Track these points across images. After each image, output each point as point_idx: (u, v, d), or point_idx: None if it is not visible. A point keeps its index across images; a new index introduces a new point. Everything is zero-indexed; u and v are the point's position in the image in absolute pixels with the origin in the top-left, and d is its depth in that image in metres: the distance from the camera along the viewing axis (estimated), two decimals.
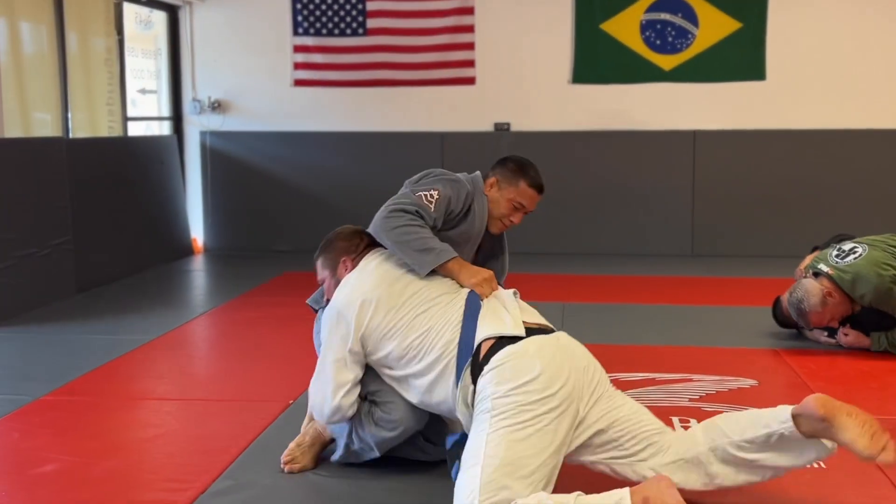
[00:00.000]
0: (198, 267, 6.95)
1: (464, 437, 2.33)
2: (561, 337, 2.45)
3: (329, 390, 2.57)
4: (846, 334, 4.16)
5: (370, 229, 2.76)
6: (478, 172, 3.06)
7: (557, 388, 2.24)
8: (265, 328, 4.77)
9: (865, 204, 6.88)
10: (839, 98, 6.95)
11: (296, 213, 7.38)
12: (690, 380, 3.76)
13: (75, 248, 5.69)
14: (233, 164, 7.43)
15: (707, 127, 7.08)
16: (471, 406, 2.32)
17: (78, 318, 5.04)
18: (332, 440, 2.82)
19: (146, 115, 7.34)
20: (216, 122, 7.44)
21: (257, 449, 2.98)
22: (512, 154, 3.16)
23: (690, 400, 3.49)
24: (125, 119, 6.72)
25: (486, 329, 2.39)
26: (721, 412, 3.23)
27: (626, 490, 2.11)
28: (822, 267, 4.06)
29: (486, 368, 2.30)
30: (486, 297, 2.55)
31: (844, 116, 6.95)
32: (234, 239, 7.47)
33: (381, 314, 2.51)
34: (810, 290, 4.00)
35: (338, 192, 7.33)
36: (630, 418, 2.39)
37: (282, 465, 2.75)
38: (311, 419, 2.87)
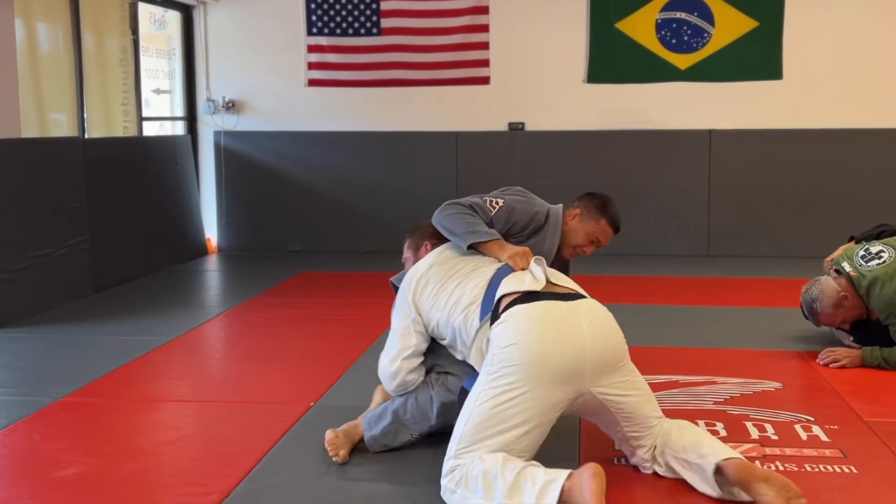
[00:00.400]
0: (212, 267, 6.92)
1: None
2: (580, 305, 2.55)
3: (392, 354, 2.81)
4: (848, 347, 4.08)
5: (432, 219, 2.99)
6: (560, 205, 3.25)
7: (544, 358, 2.39)
8: (282, 329, 4.74)
9: (885, 204, 6.77)
10: (857, 97, 6.88)
11: (309, 213, 7.36)
12: (714, 382, 3.71)
13: (91, 249, 5.68)
14: (247, 163, 7.40)
15: (723, 126, 7.02)
16: (484, 353, 2.54)
17: (94, 318, 5.02)
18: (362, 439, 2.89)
19: (161, 116, 7.32)
20: (230, 122, 7.42)
21: (280, 452, 2.95)
22: (597, 191, 3.33)
23: (715, 403, 3.44)
24: (140, 119, 6.70)
25: (506, 287, 2.60)
26: (747, 416, 3.26)
27: (565, 473, 2.26)
28: (846, 266, 3.98)
29: (498, 321, 2.51)
30: (519, 268, 2.71)
31: (863, 115, 6.87)
32: (248, 239, 7.45)
33: (429, 288, 2.77)
34: (826, 290, 3.94)
35: (351, 192, 7.31)
36: (634, 410, 2.56)
37: (326, 446, 2.82)
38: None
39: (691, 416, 3.24)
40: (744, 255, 6.97)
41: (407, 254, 3.09)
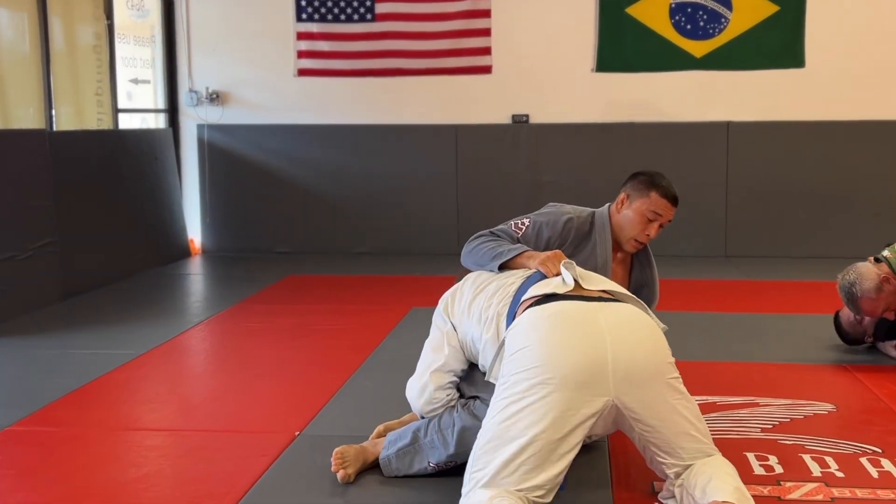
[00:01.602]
0: (195, 270, 6.52)
1: None
2: (603, 307, 2.28)
3: (421, 369, 2.64)
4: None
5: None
6: (606, 205, 3.00)
7: (556, 358, 2.15)
8: (267, 341, 4.31)
9: None
10: (884, 86, 6.57)
11: (299, 212, 7.05)
12: (756, 404, 3.30)
13: (60, 251, 5.28)
14: (232, 159, 7.07)
15: (741, 118, 6.72)
16: None
17: (59, 329, 4.59)
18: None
19: (139, 108, 6.94)
20: (214, 115, 7.08)
21: (258, 495, 2.51)
22: (643, 170, 3.03)
23: (763, 431, 3.02)
24: (116, 111, 6.29)
25: (531, 293, 2.42)
26: (802, 446, 2.84)
27: None
28: (885, 252, 3.70)
29: (510, 326, 2.33)
30: (552, 273, 2.51)
31: (890, 106, 6.56)
32: (234, 240, 7.12)
33: (464, 300, 2.61)
34: (864, 273, 3.62)
35: (344, 190, 7.00)
36: (666, 439, 2.24)
37: (332, 462, 2.58)
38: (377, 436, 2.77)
39: (738, 446, 2.85)
40: (764, 255, 6.68)
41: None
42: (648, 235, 2.91)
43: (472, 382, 2.63)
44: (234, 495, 2.49)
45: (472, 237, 2.82)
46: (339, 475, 2.55)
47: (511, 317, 2.39)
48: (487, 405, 2.43)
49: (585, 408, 2.12)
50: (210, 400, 3.45)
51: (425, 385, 2.59)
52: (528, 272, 2.58)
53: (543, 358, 2.15)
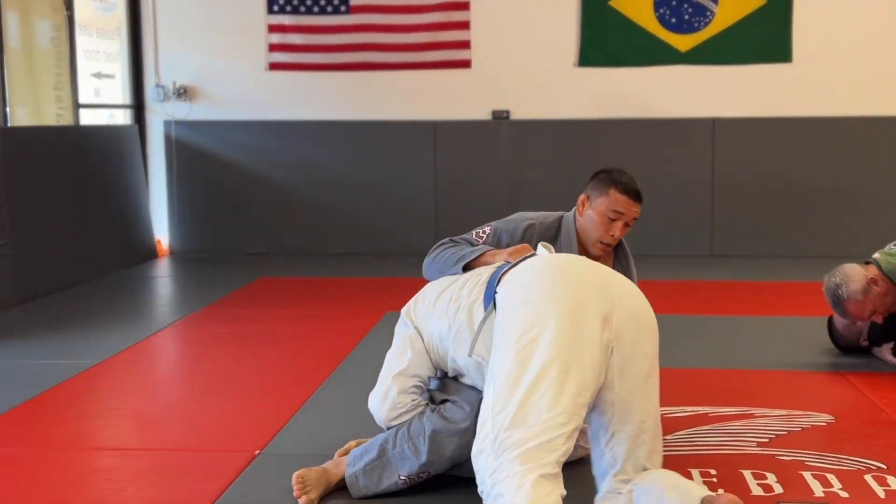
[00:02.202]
0: (162, 272, 6.27)
1: None
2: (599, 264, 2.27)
3: (383, 376, 2.48)
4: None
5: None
6: (574, 208, 2.90)
7: (561, 281, 2.11)
8: (232, 349, 4.07)
9: None
10: (873, 82, 6.46)
11: (272, 212, 6.85)
12: (752, 415, 3.10)
13: (14, 253, 5.01)
14: (201, 156, 6.85)
15: (728, 114, 6.59)
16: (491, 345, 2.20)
17: (11, 336, 4.32)
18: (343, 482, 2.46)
19: (102, 103, 6.69)
20: (182, 111, 6.85)
21: None
22: (604, 167, 2.93)
23: (759, 445, 2.83)
24: (76, 106, 6.02)
25: (505, 268, 2.31)
26: (802, 462, 2.65)
27: None
28: (875, 255, 3.57)
29: (499, 291, 2.20)
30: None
31: (880, 102, 6.45)
32: (203, 240, 6.89)
33: (428, 300, 2.47)
34: (850, 274, 3.47)
35: (318, 188, 6.81)
36: (635, 414, 2.13)
37: (293, 485, 2.36)
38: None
39: (734, 463, 2.66)
40: (751, 255, 6.55)
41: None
42: (613, 236, 2.78)
43: (442, 388, 2.47)
44: None
45: (432, 248, 2.71)
46: (301, 501, 2.32)
47: (489, 299, 2.24)
48: (460, 407, 2.35)
49: (599, 333, 2.03)
50: (165, 415, 3.20)
51: (388, 390, 2.42)
52: (496, 265, 2.45)
53: (547, 285, 2.10)
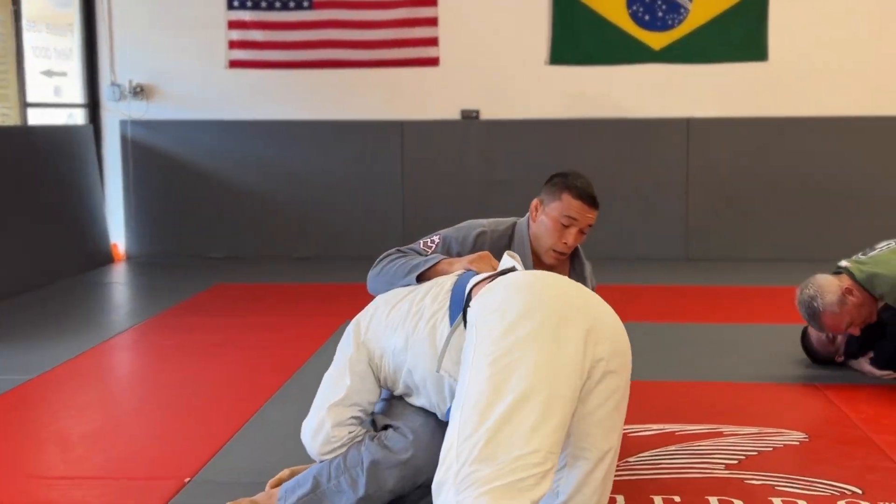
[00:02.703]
0: (116, 278, 6.05)
1: None
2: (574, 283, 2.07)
3: (318, 404, 2.26)
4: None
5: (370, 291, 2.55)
6: (527, 214, 2.75)
7: (540, 299, 1.90)
8: (179, 361, 3.86)
9: (883, 199, 6.33)
10: (851, 81, 6.35)
11: (233, 214, 6.65)
12: (720, 433, 2.93)
13: None
14: (159, 157, 6.65)
15: (702, 114, 6.46)
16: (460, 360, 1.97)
17: None
18: None
19: (53, 102, 6.44)
20: (139, 110, 6.64)
21: None
22: (560, 171, 2.77)
23: (728, 468, 2.65)
24: (24, 105, 5.77)
25: (475, 278, 2.14)
26: (773, 487, 2.49)
27: None
28: (843, 262, 3.43)
29: (472, 306, 1.99)
30: (485, 271, 2.25)
31: (857, 102, 6.35)
32: (162, 244, 6.69)
33: (379, 314, 2.28)
34: (825, 285, 3.32)
35: (282, 190, 6.62)
36: (595, 441, 1.96)
37: None
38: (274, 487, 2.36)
39: (700, 488, 2.50)
40: (727, 258, 6.42)
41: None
42: (566, 243, 2.62)
43: (386, 411, 2.28)
44: None
45: (378, 260, 2.52)
46: None
47: (456, 311, 2.06)
48: (402, 435, 2.18)
49: (579, 356, 1.84)
50: (94, 437, 2.97)
51: (322, 422, 2.21)
52: (458, 273, 2.26)
53: (526, 302, 1.88)
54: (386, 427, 2.24)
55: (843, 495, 2.43)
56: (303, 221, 6.59)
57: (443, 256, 2.47)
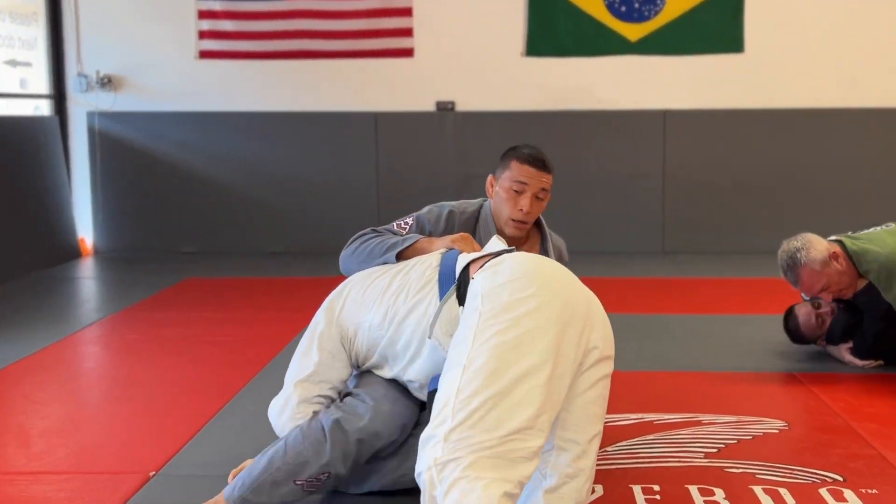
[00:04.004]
0: (83, 273, 5.91)
1: None
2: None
3: (286, 381, 2.25)
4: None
5: (342, 271, 2.54)
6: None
7: (551, 283, 1.94)
8: (144, 356, 3.76)
9: (861, 192, 6.34)
10: (826, 73, 6.35)
11: (204, 208, 6.53)
12: (699, 422, 2.89)
13: None
14: (127, 150, 6.51)
15: (679, 106, 6.43)
16: (453, 329, 2.00)
17: None
18: None
19: (19, 93, 6.27)
20: (107, 101, 6.50)
21: None
22: None
23: (707, 456, 2.61)
24: None
25: (466, 258, 2.16)
26: (753, 475, 2.45)
27: None
28: (833, 237, 3.39)
29: (478, 275, 2.01)
30: (469, 251, 2.30)
31: (833, 94, 6.34)
32: (131, 239, 6.56)
33: (353, 293, 2.28)
34: (814, 242, 3.27)
35: (254, 183, 6.51)
36: (580, 422, 1.96)
37: None
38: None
39: (679, 477, 2.45)
40: (703, 251, 6.39)
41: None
42: (522, 210, 2.59)
43: (357, 385, 2.27)
44: None
45: (352, 240, 2.52)
46: None
47: (447, 281, 2.11)
48: (361, 400, 2.17)
49: (575, 346, 1.90)
50: (56, 431, 2.86)
51: (288, 398, 2.20)
52: (441, 252, 2.30)
53: (539, 281, 1.92)
54: (346, 395, 2.23)
55: (824, 483, 2.39)
56: (276, 215, 6.49)
57: (420, 236, 2.46)
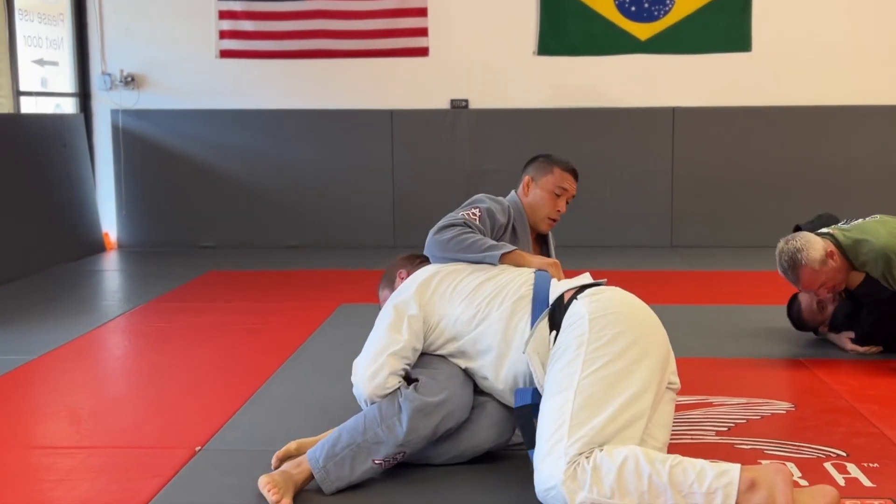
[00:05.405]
0: (108, 266, 6.06)
1: (535, 395, 2.25)
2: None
3: (377, 349, 2.39)
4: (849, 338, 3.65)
5: (426, 251, 2.75)
6: (512, 191, 3.11)
7: (649, 321, 2.27)
8: (178, 342, 3.92)
9: (865, 186, 6.42)
10: (832, 72, 6.46)
11: (224, 203, 6.66)
12: (710, 404, 3.03)
13: None
14: (150, 147, 6.64)
15: (687, 104, 6.55)
16: (543, 358, 2.26)
17: None
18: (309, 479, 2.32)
19: (45, 91, 6.43)
20: (130, 100, 6.63)
21: None
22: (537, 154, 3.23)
23: (718, 434, 2.76)
24: (17, 93, 5.78)
25: (561, 286, 2.39)
26: (762, 451, 2.59)
27: (738, 467, 1.96)
28: (824, 230, 3.52)
29: (573, 302, 2.27)
30: (557, 277, 2.53)
31: (838, 92, 6.46)
32: (153, 233, 6.70)
33: (444, 285, 2.49)
34: (812, 242, 3.39)
35: (273, 179, 6.64)
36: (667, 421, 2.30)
37: (266, 491, 2.21)
38: (282, 459, 2.42)
39: (692, 452, 2.52)
40: (710, 245, 6.52)
41: (383, 294, 2.78)
42: (559, 211, 3.04)
43: (417, 366, 2.45)
44: None
45: (441, 227, 2.71)
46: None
47: (540, 306, 2.35)
48: (436, 381, 2.35)
49: (663, 375, 2.20)
50: (104, 411, 3.03)
51: (380, 367, 2.36)
52: (534, 271, 2.53)
53: (638, 318, 2.23)
54: (415, 380, 2.39)
55: (829, 458, 2.53)
56: (293, 210, 6.61)
57: (515, 247, 2.67)
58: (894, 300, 3.42)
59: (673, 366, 2.30)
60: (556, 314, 2.28)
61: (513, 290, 2.41)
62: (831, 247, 3.40)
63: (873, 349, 3.59)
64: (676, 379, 2.31)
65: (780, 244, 3.50)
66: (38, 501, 2.29)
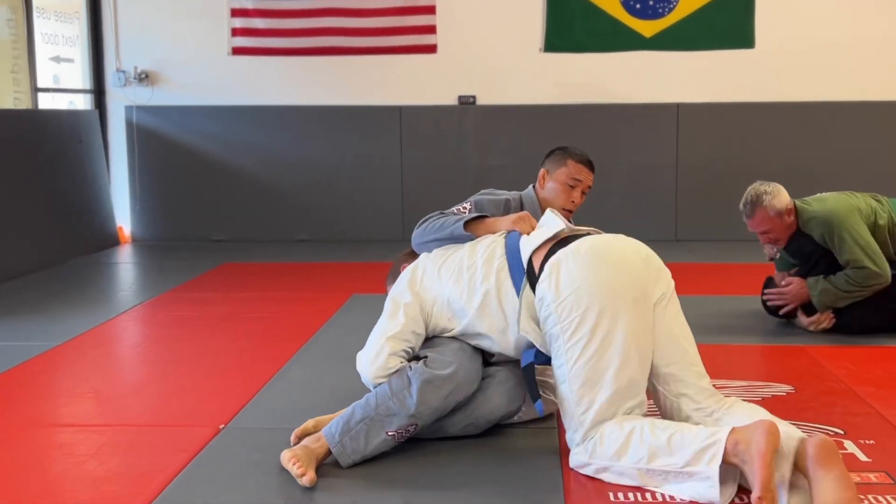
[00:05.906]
0: (123, 259, 6.17)
1: (539, 356, 2.41)
2: (616, 235, 2.52)
3: (376, 337, 2.55)
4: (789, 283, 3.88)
5: (412, 247, 2.90)
6: (530, 186, 3.18)
7: (612, 282, 2.33)
8: (195, 330, 4.02)
9: (867, 182, 6.35)
10: (835, 67, 6.50)
11: (236, 198, 6.74)
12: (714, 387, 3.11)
13: None
14: (163, 142, 6.73)
15: (692, 100, 6.61)
16: (537, 318, 2.40)
17: None
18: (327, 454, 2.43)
19: (61, 87, 6.54)
20: (144, 96, 6.72)
21: (174, 493, 2.26)
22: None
23: None
24: (35, 90, 5.88)
25: (529, 245, 2.50)
26: None
27: (727, 430, 2.14)
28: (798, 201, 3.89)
29: (542, 276, 2.39)
30: (526, 233, 2.62)
31: (841, 88, 6.50)
32: (166, 227, 6.79)
33: (430, 269, 2.63)
34: (781, 193, 3.78)
35: (282, 174, 6.72)
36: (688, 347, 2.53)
37: (291, 466, 2.31)
38: (300, 436, 2.53)
39: None
40: (715, 239, 6.57)
41: (390, 287, 2.83)
42: (574, 202, 3.07)
43: (424, 345, 2.58)
44: (147, 496, 2.24)
45: (421, 221, 2.86)
46: (306, 479, 2.27)
47: (517, 272, 2.46)
48: (443, 356, 2.46)
49: (647, 313, 2.35)
50: (128, 392, 3.15)
51: (380, 350, 2.50)
52: (503, 234, 2.63)
53: (600, 286, 2.30)
54: (424, 357, 2.50)
55: (827, 435, 2.63)
56: (303, 205, 6.70)
57: (485, 214, 2.77)
58: (823, 258, 3.71)
59: (661, 282, 2.42)
60: (531, 277, 2.42)
61: (492, 260, 2.53)
62: (792, 206, 3.73)
63: (822, 320, 3.76)
64: (665, 288, 2.43)
65: (755, 183, 3.84)
66: (71, 474, 2.41)
